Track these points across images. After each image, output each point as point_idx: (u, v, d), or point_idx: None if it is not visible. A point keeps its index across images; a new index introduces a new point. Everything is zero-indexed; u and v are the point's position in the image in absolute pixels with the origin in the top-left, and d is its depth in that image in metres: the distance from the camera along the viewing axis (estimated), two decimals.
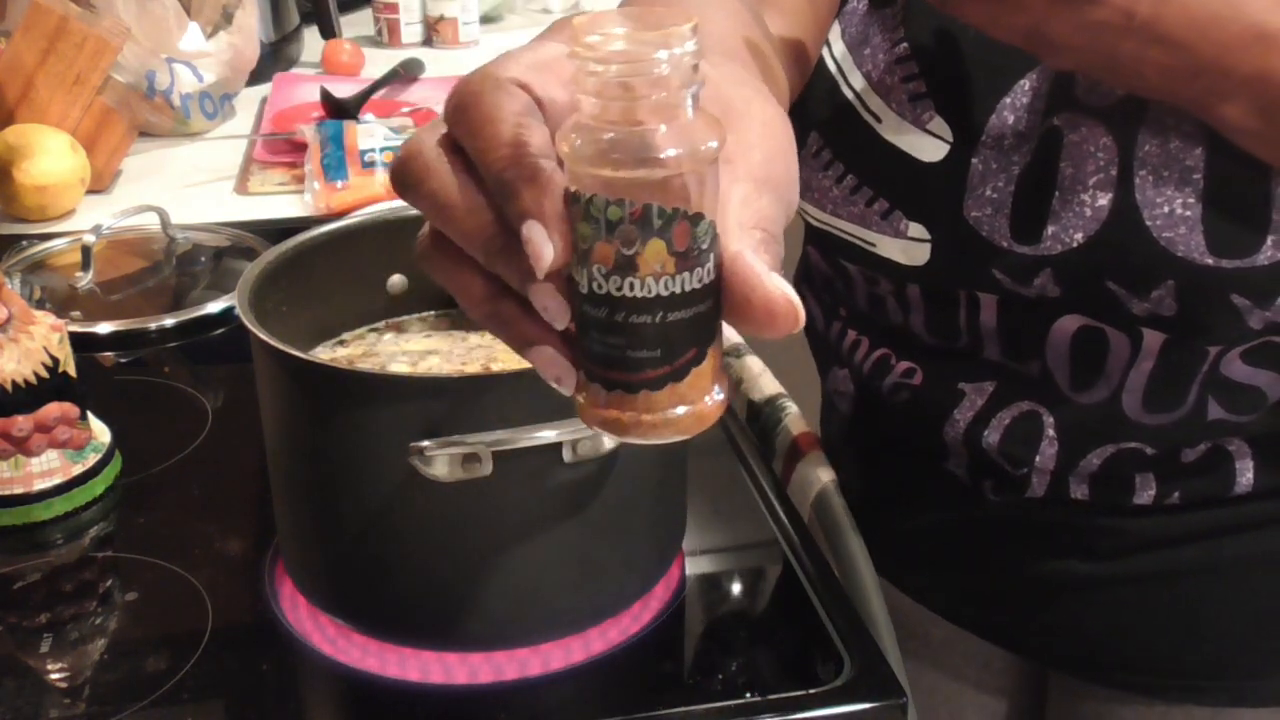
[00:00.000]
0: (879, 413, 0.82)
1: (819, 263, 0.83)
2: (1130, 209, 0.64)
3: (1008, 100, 0.67)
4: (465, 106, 0.38)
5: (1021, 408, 0.74)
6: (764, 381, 0.92)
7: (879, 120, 0.70)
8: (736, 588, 0.73)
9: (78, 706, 0.64)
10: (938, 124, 0.68)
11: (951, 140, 0.68)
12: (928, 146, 0.69)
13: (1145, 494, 0.73)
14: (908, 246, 0.71)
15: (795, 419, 0.88)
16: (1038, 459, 0.74)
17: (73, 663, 0.67)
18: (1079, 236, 0.65)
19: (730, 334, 0.98)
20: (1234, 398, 0.69)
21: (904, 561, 0.84)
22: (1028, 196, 0.67)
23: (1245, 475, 0.72)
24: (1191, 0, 0.55)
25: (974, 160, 0.68)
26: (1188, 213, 0.63)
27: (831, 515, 0.81)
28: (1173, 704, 0.80)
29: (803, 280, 0.88)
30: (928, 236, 0.70)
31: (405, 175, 0.40)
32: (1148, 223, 0.63)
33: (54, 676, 0.66)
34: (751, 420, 0.91)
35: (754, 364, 0.95)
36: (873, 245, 0.72)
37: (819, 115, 0.73)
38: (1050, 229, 0.66)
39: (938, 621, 0.86)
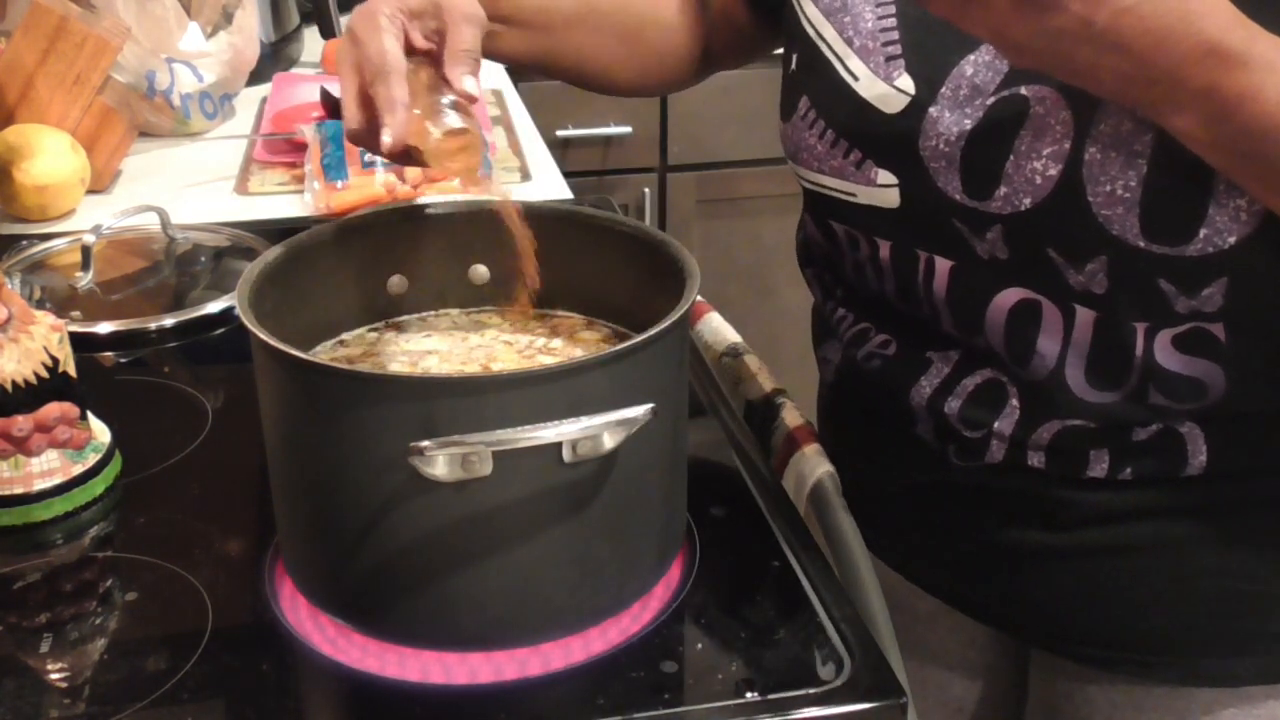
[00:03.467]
0: (855, 379, 0.85)
1: (814, 233, 0.86)
2: (1075, 183, 0.67)
3: (971, 56, 0.71)
4: (356, 38, 0.72)
5: (985, 375, 0.76)
6: (761, 379, 0.92)
7: (856, 79, 0.75)
8: (736, 588, 0.73)
9: (78, 706, 0.64)
10: (904, 80, 0.73)
11: (913, 94, 0.72)
12: (893, 99, 0.73)
13: (1099, 467, 0.75)
14: (879, 193, 0.75)
15: (791, 412, 0.88)
16: (996, 424, 0.76)
17: (73, 663, 0.67)
18: (1027, 201, 0.69)
19: (730, 334, 0.99)
20: (1173, 387, 0.71)
21: (882, 530, 0.85)
22: (978, 154, 0.70)
23: (1198, 457, 0.73)
24: (1148, 13, 0.57)
25: (930, 109, 0.72)
26: (1127, 194, 0.66)
27: (828, 509, 0.82)
28: (1134, 682, 0.81)
29: (805, 264, 0.91)
30: (895, 181, 0.74)
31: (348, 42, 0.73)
32: (1089, 198, 0.67)
33: (54, 676, 0.66)
34: (749, 417, 0.92)
35: (751, 362, 0.95)
36: (853, 195, 0.77)
37: (808, 81, 0.78)
38: (1002, 190, 0.69)
39: (922, 596, 0.88)
